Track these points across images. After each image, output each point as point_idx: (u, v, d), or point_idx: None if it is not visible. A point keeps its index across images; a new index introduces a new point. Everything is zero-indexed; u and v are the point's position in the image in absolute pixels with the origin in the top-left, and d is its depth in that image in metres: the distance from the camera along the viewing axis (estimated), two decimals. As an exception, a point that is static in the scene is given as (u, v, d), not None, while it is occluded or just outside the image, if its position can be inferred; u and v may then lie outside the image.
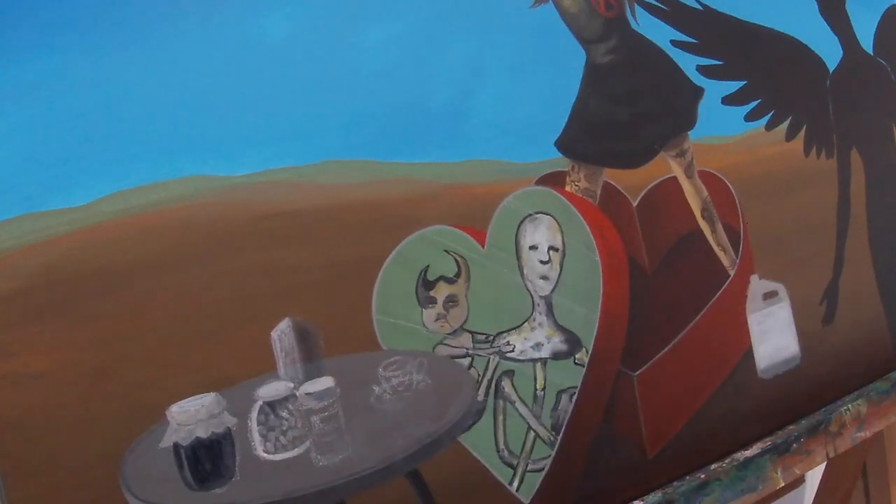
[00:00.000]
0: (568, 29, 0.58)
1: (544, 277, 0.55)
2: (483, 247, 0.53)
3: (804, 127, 0.71)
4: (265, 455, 0.45)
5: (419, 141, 0.50)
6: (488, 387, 0.53)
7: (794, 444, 0.67)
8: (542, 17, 0.56)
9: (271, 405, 0.45)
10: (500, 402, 0.53)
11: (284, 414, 0.45)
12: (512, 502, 0.53)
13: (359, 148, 0.48)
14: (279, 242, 0.45)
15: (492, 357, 0.53)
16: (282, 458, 0.45)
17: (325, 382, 0.46)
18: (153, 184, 0.42)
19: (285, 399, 0.45)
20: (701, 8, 0.65)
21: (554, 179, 0.56)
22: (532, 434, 0.54)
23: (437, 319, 0.51)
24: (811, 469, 0.71)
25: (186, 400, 0.42)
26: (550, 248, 0.55)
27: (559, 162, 0.56)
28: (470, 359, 0.52)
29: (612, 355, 0.58)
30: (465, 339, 0.52)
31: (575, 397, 0.56)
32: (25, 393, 0.39)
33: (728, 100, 0.66)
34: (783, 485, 0.66)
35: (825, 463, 0.83)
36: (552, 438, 0.55)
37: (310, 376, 0.46)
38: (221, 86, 0.44)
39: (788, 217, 0.69)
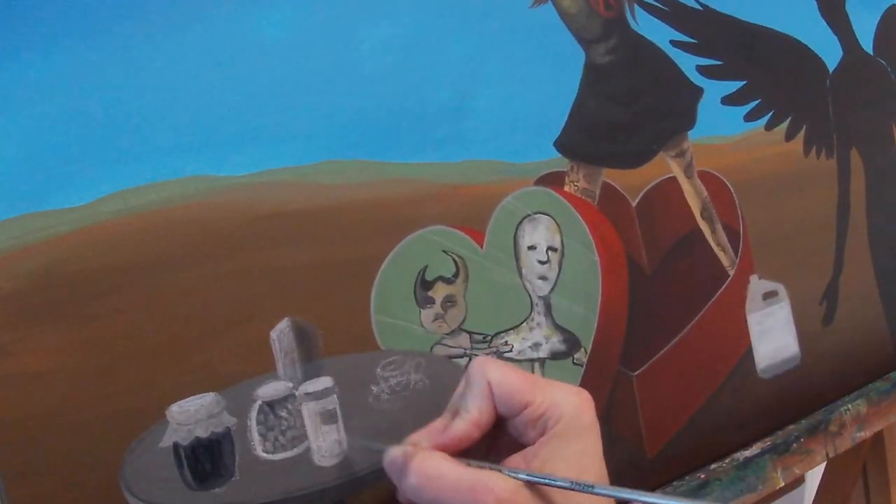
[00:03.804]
0: (567, 29, 0.58)
1: (543, 278, 0.55)
2: (481, 247, 0.53)
3: (804, 127, 0.71)
4: (264, 455, 0.45)
5: (418, 141, 0.50)
6: (487, 387, 0.52)
7: (794, 444, 0.67)
8: (542, 17, 0.56)
9: (270, 405, 0.45)
10: (500, 402, 0.53)
11: (284, 414, 0.45)
12: (511, 502, 0.53)
13: (358, 148, 0.48)
14: (278, 242, 0.45)
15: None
16: (281, 457, 0.45)
17: (324, 382, 0.46)
18: (153, 184, 0.42)
19: (284, 399, 0.45)
20: (701, 8, 0.65)
21: (553, 180, 0.56)
22: (531, 434, 0.54)
23: (435, 319, 0.51)
24: (811, 469, 0.71)
25: (186, 400, 0.43)
26: (549, 248, 0.55)
27: (558, 162, 0.56)
28: (468, 359, 0.52)
29: (612, 355, 0.58)
30: (464, 340, 0.52)
31: (574, 397, 0.56)
32: (25, 393, 0.39)
33: (728, 100, 0.66)
34: (783, 485, 0.66)
35: (825, 463, 0.83)
36: (551, 438, 0.55)
37: (309, 376, 0.46)
38: (221, 86, 0.44)
39: (788, 217, 0.69)
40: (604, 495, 0.38)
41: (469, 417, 0.42)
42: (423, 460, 0.40)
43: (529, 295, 0.54)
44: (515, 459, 0.41)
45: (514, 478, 0.39)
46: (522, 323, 0.54)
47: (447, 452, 0.41)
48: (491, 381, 0.42)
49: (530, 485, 0.39)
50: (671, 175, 0.62)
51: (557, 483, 0.38)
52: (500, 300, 0.53)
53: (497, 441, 0.43)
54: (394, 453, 0.41)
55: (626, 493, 0.39)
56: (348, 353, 0.47)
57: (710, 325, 0.63)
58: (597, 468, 0.41)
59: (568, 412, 0.41)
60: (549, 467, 0.39)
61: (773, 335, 0.67)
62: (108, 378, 0.41)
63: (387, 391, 0.48)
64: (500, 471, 0.39)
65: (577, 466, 0.40)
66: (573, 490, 0.38)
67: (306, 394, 0.46)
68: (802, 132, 0.71)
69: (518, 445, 0.42)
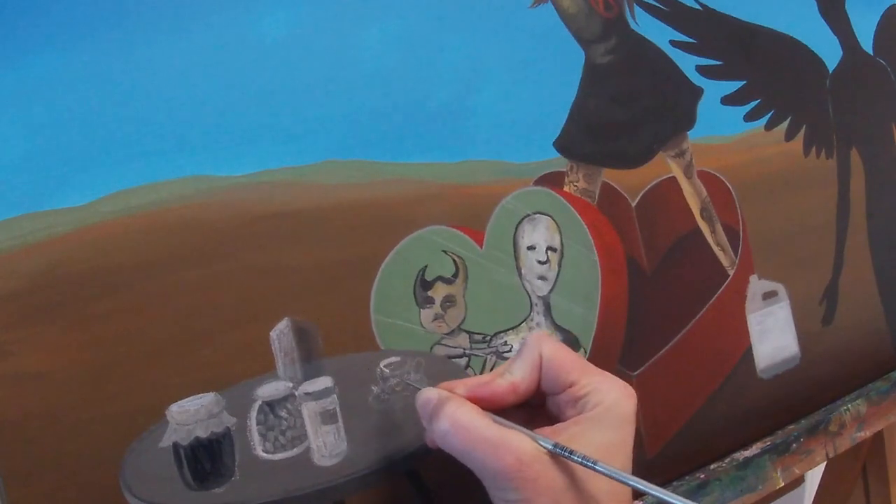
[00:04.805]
0: (567, 29, 0.58)
1: (542, 278, 0.55)
2: (481, 247, 0.53)
3: (804, 127, 0.71)
4: (264, 455, 0.45)
5: (418, 141, 0.50)
6: (487, 387, 0.53)
7: (794, 444, 0.67)
8: (542, 17, 0.56)
9: (270, 405, 0.45)
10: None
11: (283, 413, 0.45)
12: (511, 502, 0.53)
13: (358, 148, 0.48)
14: (278, 242, 0.45)
15: (489, 357, 0.53)
16: (281, 457, 0.45)
17: (324, 382, 0.46)
18: (153, 184, 0.42)
19: (284, 399, 0.45)
20: (700, 8, 0.65)
21: (552, 180, 0.56)
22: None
23: (434, 319, 0.51)
24: (811, 469, 0.71)
25: (186, 400, 0.43)
26: (549, 248, 0.55)
27: (558, 162, 0.56)
28: (467, 359, 0.52)
29: (611, 355, 0.58)
30: (463, 339, 0.52)
31: (574, 397, 0.56)
32: (25, 393, 0.39)
33: (727, 100, 0.66)
34: (783, 485, 0.66)
35: (825, 463, 0.83)
36: (551, 438, 0.55)
37: (309, 376, 0.46)
38: (221, 86, 0.44)
39: (788, 217, 0.69)
40: (609, 475, 0.39)
41: (511, 379, 0.43)
42: (457, 408, 0.41)
43: (529, 295, 0.54)
44: (544, 430, 0.42)
45: (539, 444, 0.40)
46: (522, 323, 0.54)
47: (479, 406, 0.42)
48: (543, 353, 0.43)
49: (552, 456, 0.40)
50: (671, 175, 0.62)
51: (574, 457, 0.39)
52: (499, 300, 0.53)
53: (534, 415, 0.45)
54: (429, 394, 0.42)
55: (631, 481, 0.39)
56: (348, 353, 0.47)
57: (710, 326, 0.63)
58: (622, 462, 0.41)
59: (609, 400, 0.42)
60: (574, 445, 0.40)
61: (773, 335, 0.67)
62: (108, 378, 0.41)
63: (387, 391, 0.48)
64: (526, 434, 0.40)
65: (603, 453, 0.40)
66: (585, 466, 0.39)
67: (306, 394, 0.46)
68: (802, 132, 0.71)
69: (552, 423, 0.43)
